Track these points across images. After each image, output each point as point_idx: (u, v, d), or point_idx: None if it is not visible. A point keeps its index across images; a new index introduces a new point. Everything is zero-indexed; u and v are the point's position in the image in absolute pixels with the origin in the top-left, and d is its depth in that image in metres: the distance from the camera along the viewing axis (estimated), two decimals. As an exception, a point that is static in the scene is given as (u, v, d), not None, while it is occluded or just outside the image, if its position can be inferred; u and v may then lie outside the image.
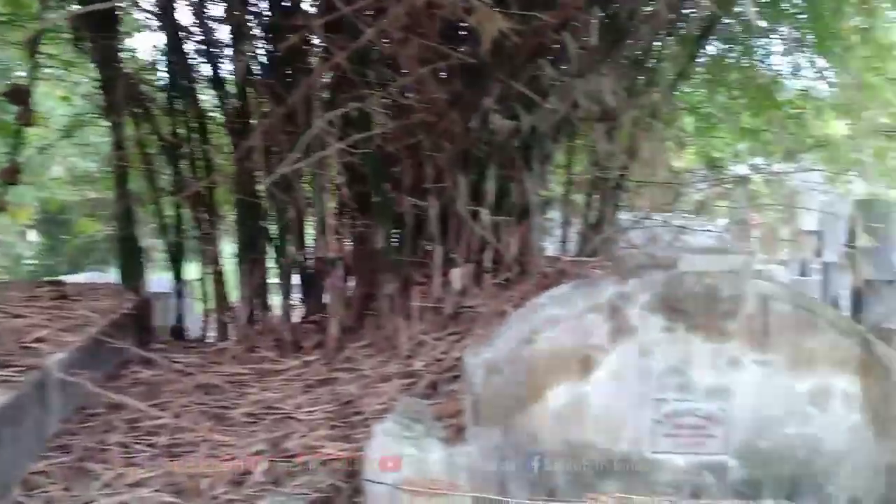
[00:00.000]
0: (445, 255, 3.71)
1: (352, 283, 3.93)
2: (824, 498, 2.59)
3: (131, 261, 4.16)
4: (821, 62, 5.71)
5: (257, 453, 2.79)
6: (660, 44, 4.49)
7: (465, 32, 3.31)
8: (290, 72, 3.53)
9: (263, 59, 3.83)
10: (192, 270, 4.66)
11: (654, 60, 4.71)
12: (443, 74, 3.28)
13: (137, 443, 2.87)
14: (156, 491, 2.57)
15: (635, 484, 2.58)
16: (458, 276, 3.68)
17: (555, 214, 5.27)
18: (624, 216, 5.09)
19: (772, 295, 2.56)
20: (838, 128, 6.09)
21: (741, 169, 5.50)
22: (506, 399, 2.53)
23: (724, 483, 2.58)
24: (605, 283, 2.56)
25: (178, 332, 4.34)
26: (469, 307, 3.67)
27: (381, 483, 2.38)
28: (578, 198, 4.93)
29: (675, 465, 2.59)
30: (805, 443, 2.58)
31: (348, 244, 3.97)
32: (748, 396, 2.57)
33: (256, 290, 4.00)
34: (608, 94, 3.45)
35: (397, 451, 2.43)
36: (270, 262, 4.06)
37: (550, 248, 5.57)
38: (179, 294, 4.39)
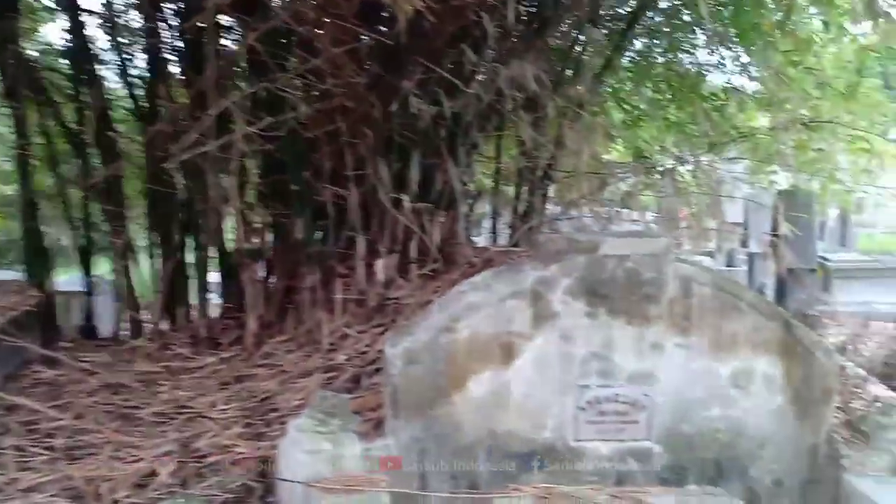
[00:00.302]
0: (369, 246, 3.60)
1: (272, 275, 3.78)
2: (748, 481, 2.58)
3: (37, 256, 3.91)
4: (743, 56, 5.80)
5: (165, 454, 2.63)
6: (585, 36, 4.47)
7: (383, 13, 3.20)
8: (200, 55, 3.36)
9: (174, 42, 3.65)
10: (103, 266, 4.43)
11: (580, 51, 4.69)
12: (361, 57, 3.16)
13: (34, 446, 2.67)
14: (52, 496, 2.39)
15: (559, 473, 2.52)
16: (382, 266, 3.57)
17: (484, 206, 5.21)
18: (552, 207, 5.06)
19: (693, 278, 2.53)
20: (761, 120, 6.20)
21: (668, 161, 5.53)
22: (426, 389, 2.44)
23: (648, 469, 2.55)
24: (527, 269, 2.50)
25: (87, 330, 4.10)
26: (394, 299, 3.56)
27: (294, 481, 2.26)
28: (507, 189, 4.87)
29: (598, 452, 2.54)
30: (729, 426, 2.56)
31: (267, 236, 3.81)
32: (671, 381, 2.54)
33: (171, 285, 3.81)
34: (531, 80, 3.38)
35: (311, 447, 2.31)
36: (187, 256, 3.87)
37: (481, 239, 5.52)
38: (90, 291, 4.16)
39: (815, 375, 2.57)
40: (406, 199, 3.32)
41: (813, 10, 5.31)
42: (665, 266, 2.50)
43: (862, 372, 4.16)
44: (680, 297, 2.51)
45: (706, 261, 8.13)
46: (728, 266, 8.99)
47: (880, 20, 4.23)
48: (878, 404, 3.27)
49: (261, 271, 3.64)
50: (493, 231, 5.00)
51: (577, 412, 2.52)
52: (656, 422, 2.54)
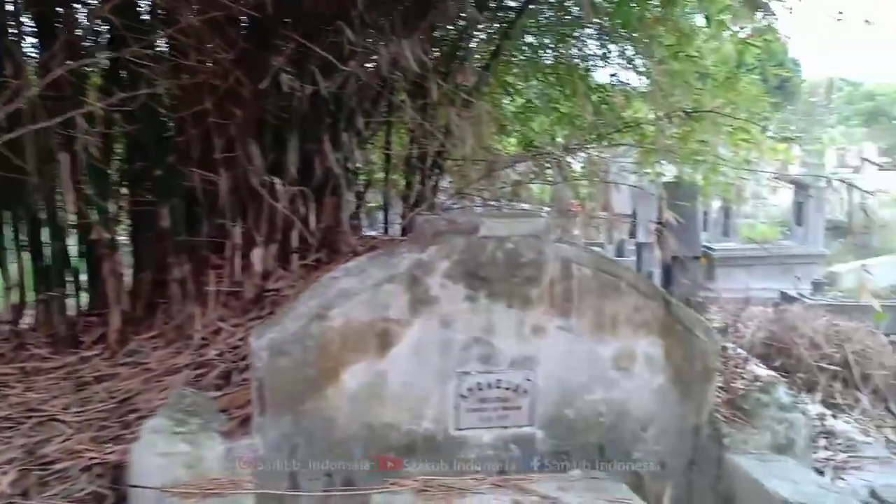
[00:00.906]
0: (246, 235, 3.39)
1: (140, 268, 3.50)
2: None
3: None
4: (628, 49, 5.89)
5: (7, 462, 2.36)
6: (468, 20, 4.39)
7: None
8: (51, 29, 3.07)
9: (21, 16, 3.32)
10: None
11: (467, 37, 4.61)
12: (228, 31, 2.95)
13: None
14: None
15: (440, 463, 2.41)
16: (259, 256, 3.36)
17: (374, 195, 5.07)
18: (443, 197, 4.98)
19: (574, 259, 2.47)
20: (646, 112, 6.32)
21: (558, 151, 5.54)
22: (295, 383, 2.28)
23: (530, 455, 2.48)
24: (403, 253, 2.37)
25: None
26: (273, 290, 3.37)
27: (147, 487, 2.06)
28: (398, 178, 4.74)
29: (481, 440, 2.45)
30: (611, 408, 2.52)
31: (131, 225, 3.53)
32: (554, 364, 2.47)
33: (25, 281, 3.47)
34: (412, 62, 3.26)
35: (166, 449, 2.11)
36: (45, 249, 3.54)
37: (374, 231, 5.37)
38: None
39: (695, 354, 2.56)
40: (281, 185, 3.13)
41: (693, 5, 5.44)
42: (545, 247, 2.43)
43: (742, 353, 4.27)
44: (560, 279, 2.45)
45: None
46: (618, 256, 9.18)
47: (759, 13, 4.35)
48: (759, 383, 3.33)
49: (122, 264, 3.36)
50: (385, 222, 4.87)
51: (458, 400, 2.42)
52: (539, 407, 2.47)
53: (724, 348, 4.04)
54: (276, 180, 2.99)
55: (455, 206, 4.80)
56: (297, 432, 2.30)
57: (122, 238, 3.58)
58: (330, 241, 3.72)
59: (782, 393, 2.69)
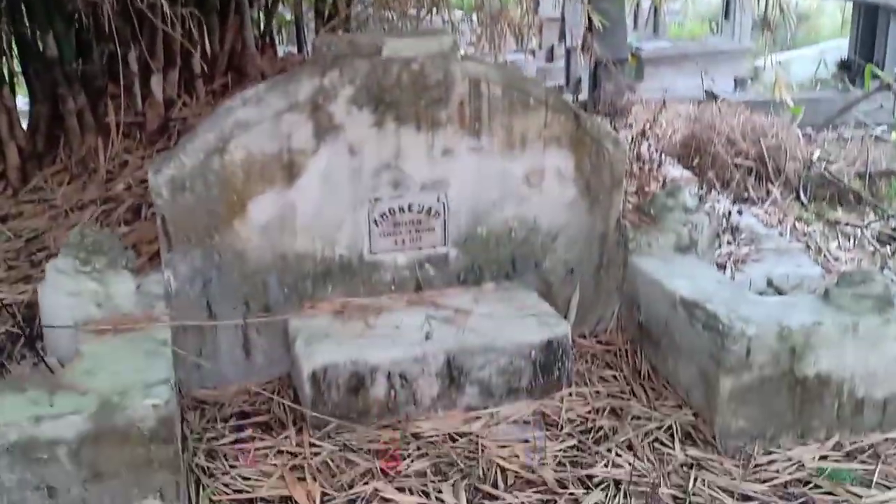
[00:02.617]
0: (143, 61, 3.19)
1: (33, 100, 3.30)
2: (542, 273, 2.65)
3: None
4: None
5: None
6: None
7: None
8: None
9: None
10: None
11: None
12: None
13: None
14: None
15: (357, 287, 2.48)
16: (158, 84, 3.20)
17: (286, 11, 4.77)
18: (360, 9, 4.73)
19: (483, 77, 2.41)
20: None
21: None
22: (200, 217, 2.25)
23: (445, 273, 2.56)
24: (303, 79, 2.27)
25: None
26: (178, 119, 3.24)
27: (59, 326, 2.07)
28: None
29: (396, 263, 2.50)
30: (522, 223, 2.58)
31: (20, 55, 3.28)
32: (465, 185, 2.49)
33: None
34: None
35: (74, 288, 2.10)
36: None
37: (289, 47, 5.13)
38: None
39: (604, 166, 2.60)
40: (168, 5, 2.90)
41: None
42: (452, 67, 2.35)
43: (658, 156, 4.35)
44: (469, 99, 2.40)
45: (527, 58, 8.10)
46: (548, 61, 9.03)
47: None
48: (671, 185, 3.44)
49: (9, 97, 3.15)
50: (300, 39, 4.63)
51: (371, 226, 2.44)
52: (452, 227, 2.52)
53: (640, 153, 4.11)
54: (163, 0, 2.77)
55: (371, 17, 4.57)
56: (209, 266, 2.30)
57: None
58: (236, 65, 3.54)
59: (687, 195, 2.78)
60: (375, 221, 2.44)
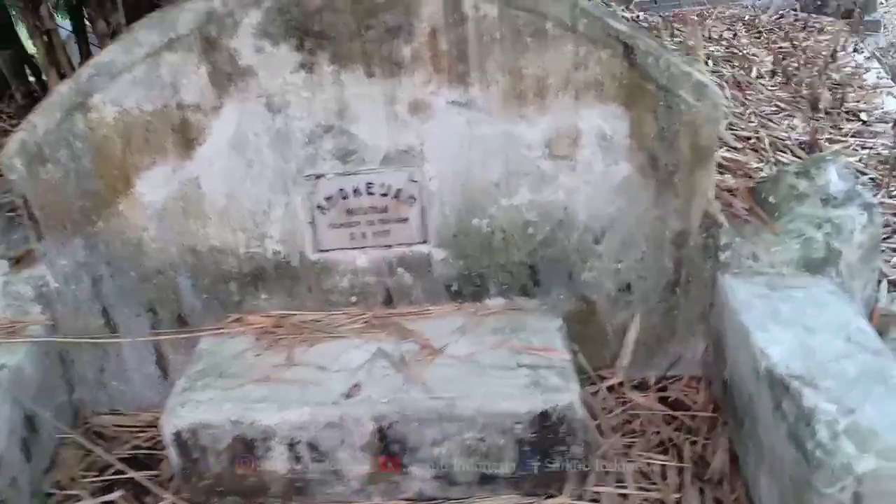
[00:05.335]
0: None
1: None
2: (579, 287, 1.79)
3: None
4: None
5: None
6: None
7: None
8: None
9: None
10: None
11: None
12: None
13: None
14: None
15: (301, 295, 1.79)
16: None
17: None
18: None
19: (474, -12, 1.53)
20: None
21: None
22: (74, 197, 1.65)
23: (428, 282, 1.78)
24: (187, 4, 1.54)
25: None
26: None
27: None
28: None
29: (355, 264, 1.76)
30: (545, 215, 1.72)
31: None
32: (449, 158, 1.67)
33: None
34: None
35: None
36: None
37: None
38: None
39: (680, 128, 1.63)
40: None
41: None
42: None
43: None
44: (447, 26, 1.54)
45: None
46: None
47: None
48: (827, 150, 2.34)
49: None
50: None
51: (314, 213, 1.71)
52: (434, 218, 1.72)
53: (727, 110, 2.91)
54: None
55: None
56: (96, 260, 1.72)
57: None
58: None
59: (834, 174, 1.74)
60: (320, 207, 1.70)
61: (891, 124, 2.86)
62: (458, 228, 1.73)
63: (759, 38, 4.19)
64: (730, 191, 1.88)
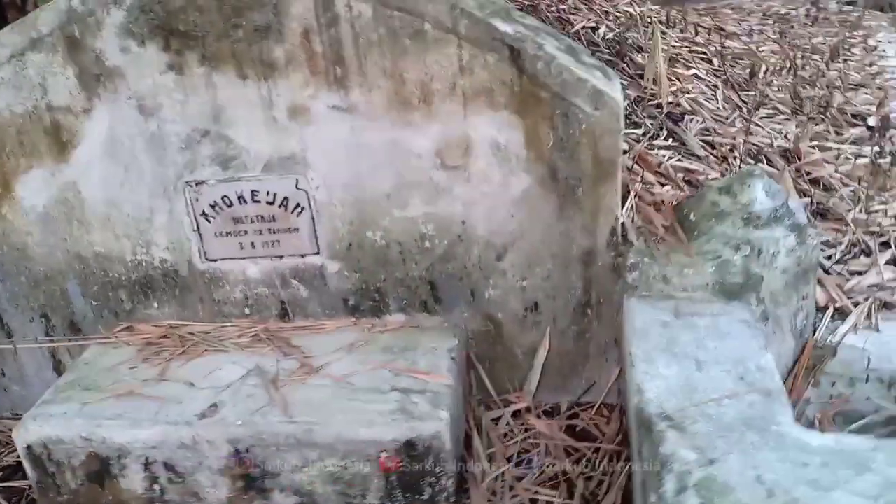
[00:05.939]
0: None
1: None
2: (483, 305, 1.67)
3: None
4: None
5: None
6: None
7: None
8: None
9: None
10: None
11: None
12: None
13: None
14: None
15: (192, 305, 1.72)
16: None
17: None
18: None
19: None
20: None
21: None
22: (-61, 204, 1.62)
23: (325, 296, 1.69)
24: (53, 2, 1.48)
25: None
26: None
27: None
28: None
29: (246, 275, 1.68)
30: (441, 227, 1.61)
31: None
32: (335, 165, 1.57)
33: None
34: None
35: None
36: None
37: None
38: None
39: (581, 138, 1.50)
40: None
41: None
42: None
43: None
44: (320, 27, 1.44)
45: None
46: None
47: None
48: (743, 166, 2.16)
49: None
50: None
51: (198, 220, 1.63)
52: (325, 228, 1.62)
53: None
54: None
55: None
56: (-17, 266, 1.68)
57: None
58: None
59: (760, 191, 1.57)
60: (205, 215, 1.63)
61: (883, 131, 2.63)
62: (351, 240, 1.63)
63: (782, 35, 3.94)
64: (657, 205, 1.73)
